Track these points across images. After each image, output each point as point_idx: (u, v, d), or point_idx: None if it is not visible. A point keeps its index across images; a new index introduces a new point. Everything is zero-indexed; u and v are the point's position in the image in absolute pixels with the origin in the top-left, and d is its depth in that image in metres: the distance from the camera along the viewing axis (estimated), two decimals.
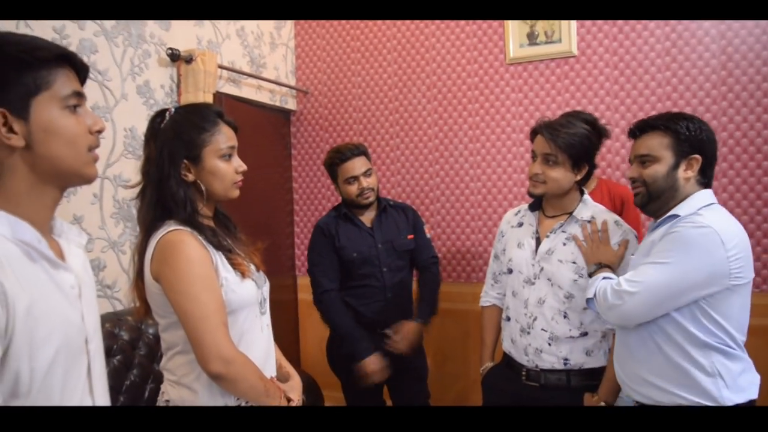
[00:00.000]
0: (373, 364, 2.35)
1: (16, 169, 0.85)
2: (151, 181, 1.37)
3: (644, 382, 1.56)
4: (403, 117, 3.47)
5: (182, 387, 1.36)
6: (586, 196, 1.92)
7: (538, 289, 1.87)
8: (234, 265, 1.38)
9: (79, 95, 0.91)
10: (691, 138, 1.54)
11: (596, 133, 1.82)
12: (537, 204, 1.96)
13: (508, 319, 1.98)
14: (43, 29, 2.06)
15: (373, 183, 2.47)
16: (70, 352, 0.87)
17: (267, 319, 1.51)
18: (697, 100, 2.83)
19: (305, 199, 3.77)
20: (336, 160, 2.45)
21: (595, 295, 1.65)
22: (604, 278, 1.67)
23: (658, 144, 1.57)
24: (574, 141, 1.78)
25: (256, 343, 1.43)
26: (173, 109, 1.41)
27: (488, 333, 2.14)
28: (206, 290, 1.29)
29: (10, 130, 0.83)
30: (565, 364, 1.83)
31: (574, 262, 1.82)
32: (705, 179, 1.59)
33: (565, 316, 1.83)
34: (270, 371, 1.48)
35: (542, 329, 1.85)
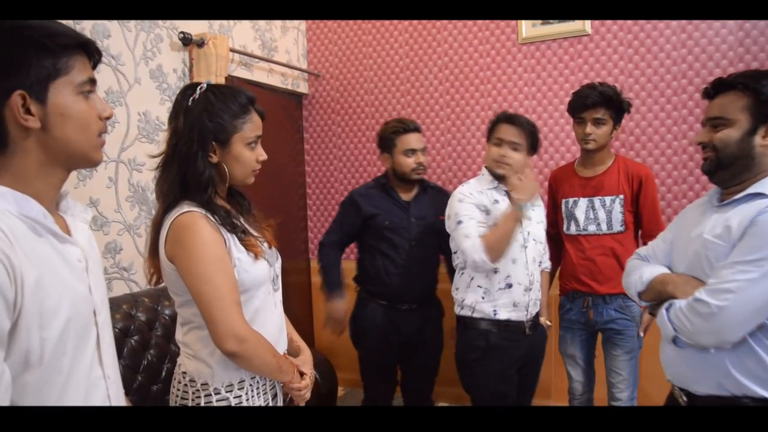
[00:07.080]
0: (338, 309, 2.53)
1: (29, 150, 0.88)
2: (178, 155, 1.36)
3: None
4: (415, 99, 3.46)
5: (199, 361, 1.40)
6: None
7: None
8: (247, 247, 1.39)
9: (93, 82, 0.94)
10: None
11: None
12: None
13: None
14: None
15: (426, 162, 2.55)
16: (79, 322, 0.90)
17: (279, 295, 1.54)
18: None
19: (318, 182, 3.79)
20: (399, 128, 2.50)
21: (675, 329, 1.36)
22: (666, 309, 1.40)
23: (733, 105, 1.36)
24: (532, 128, 2.24)
25: (270, 320, 1.47)
26: (205, 85, 1.39)
27: None
28: (219, 271, 1.31)
29: (28, 111, 0.86)
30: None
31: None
32: None
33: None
34: (282, 347, 1.51)
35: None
